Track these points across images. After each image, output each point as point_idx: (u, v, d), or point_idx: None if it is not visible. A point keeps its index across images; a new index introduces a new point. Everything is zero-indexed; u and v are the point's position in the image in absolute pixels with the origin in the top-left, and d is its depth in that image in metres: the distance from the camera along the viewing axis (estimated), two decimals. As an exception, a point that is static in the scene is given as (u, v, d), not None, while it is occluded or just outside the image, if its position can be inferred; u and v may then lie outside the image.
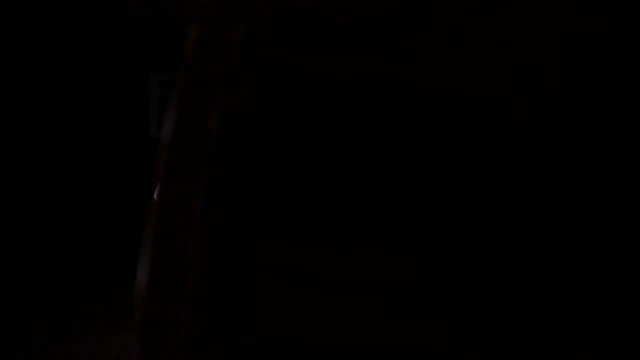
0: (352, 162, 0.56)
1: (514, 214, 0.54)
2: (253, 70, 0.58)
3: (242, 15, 0.58)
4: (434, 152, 0.55)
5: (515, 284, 0.53)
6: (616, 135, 0.54)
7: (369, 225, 0.54)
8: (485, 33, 0.56)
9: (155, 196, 0.59)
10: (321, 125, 0.56)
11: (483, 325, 0.52)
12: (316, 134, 0.56)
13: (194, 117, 0.58)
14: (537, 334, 0.52)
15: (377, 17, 0.57)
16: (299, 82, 0.57)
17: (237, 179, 0.56)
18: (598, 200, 0.54)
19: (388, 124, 0.56)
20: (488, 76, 0.56)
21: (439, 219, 0.54)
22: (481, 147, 0.55)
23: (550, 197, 0.54)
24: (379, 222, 0.54)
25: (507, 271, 0.53)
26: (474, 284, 0.53)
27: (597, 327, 0.52)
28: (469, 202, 0.54)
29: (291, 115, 0.57)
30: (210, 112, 0.58)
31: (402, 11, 0.57)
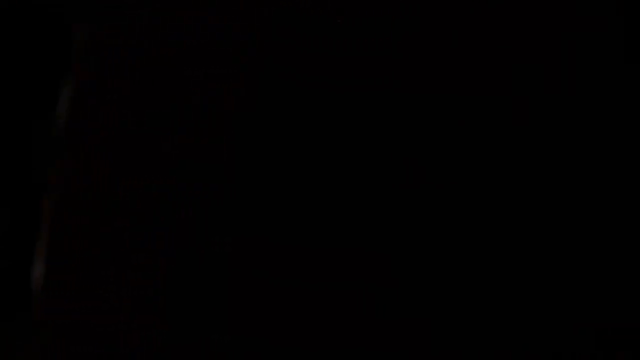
0: (329, 162, 0.56)
1: (508, 214, 0.54)
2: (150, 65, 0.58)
3: (131, 14, 0.59)
4: (427, 152, 0.55)
5: (492, 285, 0.53)
6: (616, 135, 0.54)
7: (342, 226, 0.55)
8: (485, 33, 0.56)
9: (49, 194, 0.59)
10: (296, 123, 0.56)
11: (457, 326, 0.52)
12: (291, 132, 0.56)
13: (84, 115, 0.58)
14: (512, 334, 0.52)
15: (377, 17, 0.57)
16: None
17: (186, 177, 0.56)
18: (597, 200, 0.54)
19: (380, 123, 0.56)
20: (488, 76, 0.56)
21: (416, 219, 0.54)
22: (480, 147, 0.55)
23: (549, 198, 0.54)
24: (352, 222, 0.54)
25: (484, 272, 0.53)
26: (448, 285, 0.53)
27: (573, 329, 0.52)
28: (454, 202, 0.54)
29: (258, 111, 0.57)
30: (103, 109, 0.58)
31: (402, 11, 0.57)
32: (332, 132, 0.56)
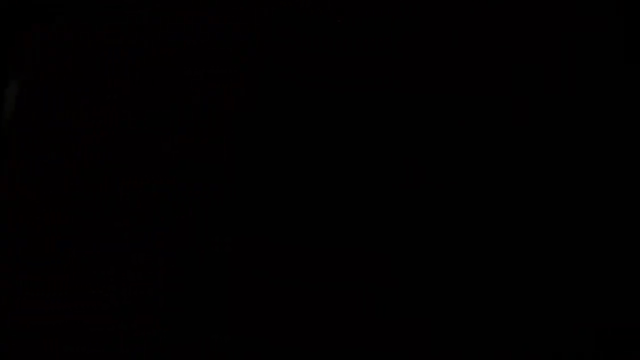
0: (329, 162, 0.56)
1: (508, 214, 0.54)
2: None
3: (82, 20, 0.59)
4: (427, 152, 0.55)
5: (492, 285, 0.53)
6: (616, 135, 0.54)
7: (342, 226, 0.55)
8: (485, 33, 0.56)
9: None
10: (296, 123, 0.56)
11: (457, 326, 0.53)
12: (291, 132, 0.56)
13: (32, 114, 0.58)
14: (512, 334, 0.52)
15: (377, 17, 0.57)
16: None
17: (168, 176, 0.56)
18: (597, 200, 0.54)
19: (380, 123, 0.56)
20: (488, 76, 0.56)
21: (416, 219, 0.54)
22: (480, 147, 0.55)
23: (549, 198, 0.54)
24: (352, 222, 0.55)
25: (484, 272, 0.53)
26: (448, 285, 0.53)
27: (573, 329, 0.52)
28: (454, 202, 0.54)
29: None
30: (57, 109, 0.58)
31: (402, 11, 0.57)
32: (332, 132, 0.56)
